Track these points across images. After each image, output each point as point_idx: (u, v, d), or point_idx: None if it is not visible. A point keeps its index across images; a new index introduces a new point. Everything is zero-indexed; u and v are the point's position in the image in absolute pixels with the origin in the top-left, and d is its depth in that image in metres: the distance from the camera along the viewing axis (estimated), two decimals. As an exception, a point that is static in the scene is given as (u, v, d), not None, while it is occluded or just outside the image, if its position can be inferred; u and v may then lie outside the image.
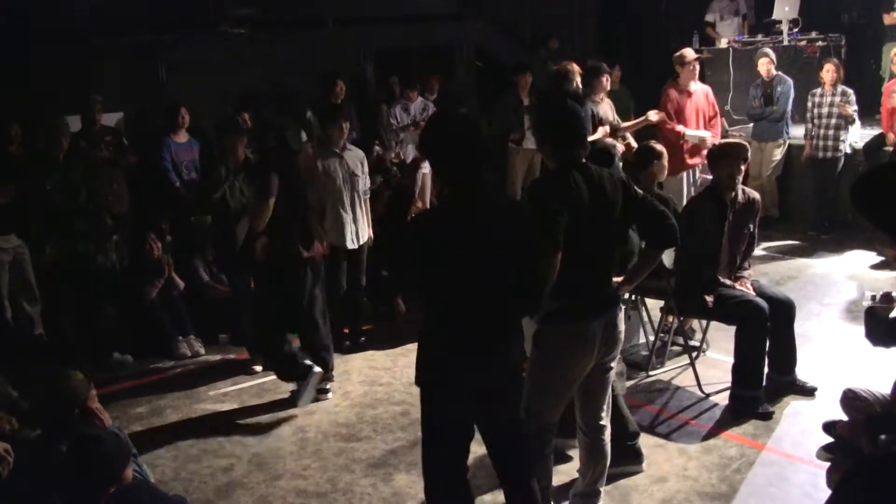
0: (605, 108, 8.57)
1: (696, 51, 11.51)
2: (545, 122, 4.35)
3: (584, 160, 4.24)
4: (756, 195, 6.26)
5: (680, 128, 8.91)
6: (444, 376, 3.78)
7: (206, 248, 7.97)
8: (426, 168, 10.55)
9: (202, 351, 7.63)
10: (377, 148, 9.67)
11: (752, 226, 6.23)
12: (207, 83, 10.31)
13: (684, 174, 9.06)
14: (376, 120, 10.95)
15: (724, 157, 5.94)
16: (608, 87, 8.77)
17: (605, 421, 4.52)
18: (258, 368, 7.08)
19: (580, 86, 8.14)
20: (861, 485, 2.24)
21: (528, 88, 10.79)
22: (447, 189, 3.81)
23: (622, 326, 4.36)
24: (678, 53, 9.16)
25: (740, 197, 6.06)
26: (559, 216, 3.98)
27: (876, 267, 8.99)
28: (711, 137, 8.91)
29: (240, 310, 7.21)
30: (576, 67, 8.21)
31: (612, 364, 4.42)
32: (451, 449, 3.94)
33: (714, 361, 6.65)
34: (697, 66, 9.13)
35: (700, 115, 9.14)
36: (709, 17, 13.35)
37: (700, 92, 9.20)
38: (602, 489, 4.63)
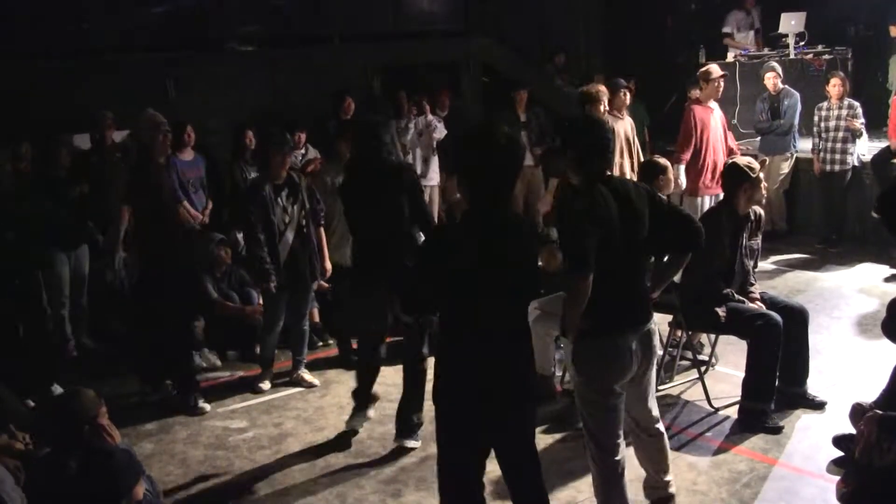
0: (627, 126, 8.54)
1: (702, 65, 11.54)
2: (570, 135, 4.41)
3: (608, 174, 4.30)
4: (760, 210, 6.27)
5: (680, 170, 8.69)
6: (462, 392, 3.79)
7: (214, 264, 7.96)
8: (433, 182, 10.58)
9: (218, 363, 7.64)
10: None
11: (758, 240, 6.25)
12: (215, 100, 10.36)
13: (707, 199, 8.81)
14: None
15: (745, 181, 5.92)
16: (628, 103, 8.75)
17: (660, 424, 4.66)
18: (265, 386, 7.07)
19: (608, 108, 8.09)
20: (870, 497, 2.25)
21: (524, 105, 10.84)
22: (470, 203, 3.81)
23: (657, 339, 4.45)
24: (704, 69, 9.07)
25: (750, 214, 6.09)
26: (589, 238, 4.00)
27: (889, 280, 8.98)
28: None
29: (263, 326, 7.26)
30: (604, 89, 8.12)
31: (652, 371, 4.52)
32: (469, 469, 3.92)
33: (723, 376, 6.63)
34: (722, 84, 9.02)
35: (721, 131, 9.01)
36: (726, 29, 13.35)
37: (718, 108, 9.11)
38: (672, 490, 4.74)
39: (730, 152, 8.87)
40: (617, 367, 4.24)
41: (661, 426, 4.67)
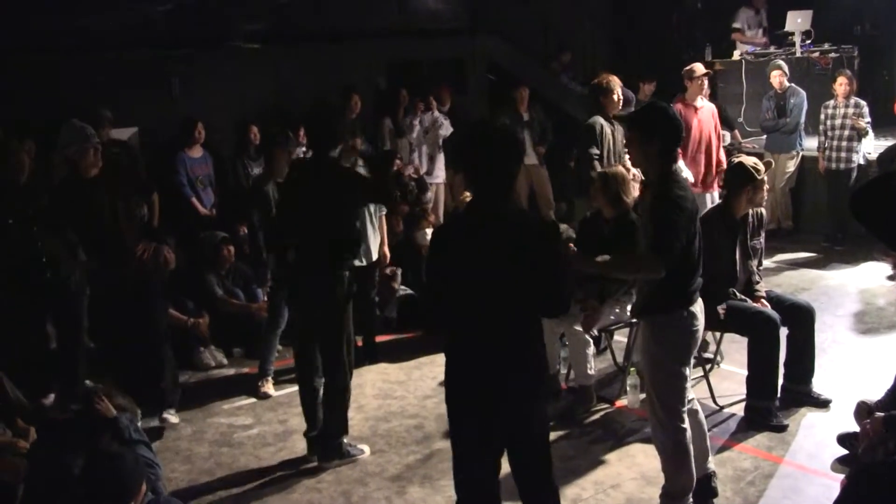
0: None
1: (709, 63, 11.50)
2: (658, 126, 4.47)
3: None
4: (761, 209, 6.25)
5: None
6: (471, 390, 3.80)
7: (219, 262, 7.96)
8: (440, 179, 10.59)
9: (225, 361, 7.66)
10: (398, 161, 9.58)
11: (760, 239, 6.23)
12: (219, 98, 10.37)
13: (714, 195, 8.59)
14: (376, 133, 10.89)
15: (749, 183, 5.85)
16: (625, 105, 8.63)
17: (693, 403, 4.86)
18: (270, 391, 6.94)
19: (621, 97, 7.78)
20: (863, 489, 2.25)
21: (526, 103, 10.82)
22: (472, 197, 3.87)
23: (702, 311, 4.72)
24: (688, 67, 8.80)
25: (749, 214, 6.07)
26: (680, 228, 4.33)
27: (893, 278, 8.96)
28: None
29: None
30: (615, 78, 7.69)
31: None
32: (485, 468, 3.92)
33: (728, 373, 6.63)
34: (706, 82, 8.79)
35: (704, 133, 8.61)
36: (737, 24, 13.25)
37: (706, 109, 8.74)
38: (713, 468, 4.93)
39: (714, 159, 8.65)
40: (695, 336, 4.58)
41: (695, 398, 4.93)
